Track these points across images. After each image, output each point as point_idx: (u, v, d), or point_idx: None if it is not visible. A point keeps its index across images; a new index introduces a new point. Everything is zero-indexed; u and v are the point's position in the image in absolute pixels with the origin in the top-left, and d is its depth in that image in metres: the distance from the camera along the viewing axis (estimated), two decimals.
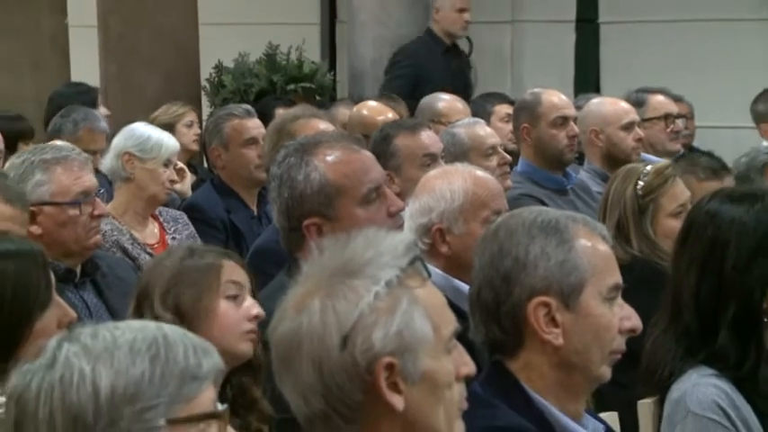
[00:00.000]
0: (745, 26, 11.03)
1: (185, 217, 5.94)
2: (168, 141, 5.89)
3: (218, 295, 3.35)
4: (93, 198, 4.54)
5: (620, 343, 2.95)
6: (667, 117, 7.06)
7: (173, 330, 2.22)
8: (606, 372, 2.96)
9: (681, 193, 4.87)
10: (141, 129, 5.90)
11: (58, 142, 5.74)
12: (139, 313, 3.21)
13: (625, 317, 2.95)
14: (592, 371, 2.95)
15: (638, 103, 7.04)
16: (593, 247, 2.96)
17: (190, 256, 3.39)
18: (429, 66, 9.75)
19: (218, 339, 3.27)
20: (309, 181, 3.93)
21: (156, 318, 2.53)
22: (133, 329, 2.19)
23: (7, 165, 4.67)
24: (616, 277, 2.97)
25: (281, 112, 6.77)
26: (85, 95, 8.40)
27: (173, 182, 6.01)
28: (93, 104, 8.11)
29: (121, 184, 5.69)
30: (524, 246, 2.95)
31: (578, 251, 2.93)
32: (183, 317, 3.16)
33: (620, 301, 2.97)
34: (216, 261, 3.40)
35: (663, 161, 5.31)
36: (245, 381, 3.34)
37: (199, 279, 3.33)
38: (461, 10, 9.97)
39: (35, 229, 4.30)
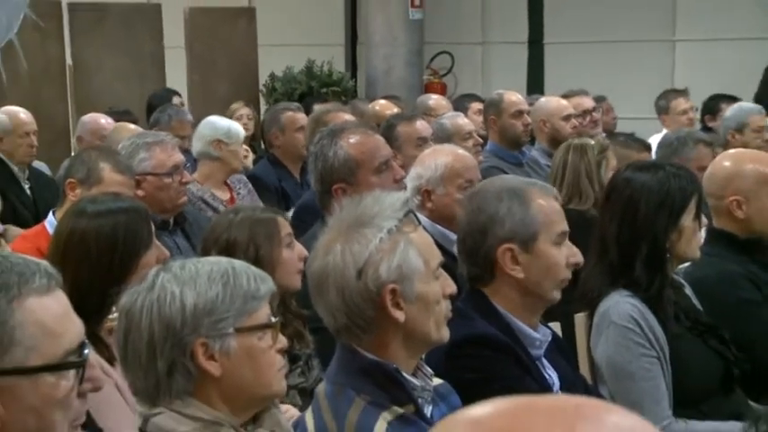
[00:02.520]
0: (650, 45, 11.02)
1: (245, 178, 5.93)
2: (240, 129, 5.89)
3: (282, 246, 3.32)
4: (181, 170, 4.53)
5: (567, 274, 2.96)
6: (585, 113, 7.04)
7: (239, 263, 2.22)
8: (557, 295, 2.96)
9: (613, 156, 4.90)
10: (221, 121, 5.84)
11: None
12: None
13: (571, 254, 2.95)
14: (545, 296, 2.95)
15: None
16: (545, 205, 2.94)
17: (254, 217, 3.37)
18: None
19: (282, 279, 3.26)
20: (337, 156, 3.91)
21: None
22: (210, 263, 2.20)
23: (120, 145, 4.65)
24: (563, 226, 2.95)
25: (317, 108, 6.76)
26: (171, 95, 8.49)
27: (244, 156, 6.08)
28: (169, 99, 8.19)
29: (207, 161, 5.65)
30: (495, 206, 2.93)
31: (534, 209, 2.91)
32: (261, 265, 3.15)
33: (567, 242, 2.96)
34: (272, 220, 3.37)
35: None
36: (286, 296, 3.32)
37: (268, 236, 3.30)
38: None
39: (140, 193, 4.28)
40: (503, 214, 2.93)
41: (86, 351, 1.77)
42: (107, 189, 3.97)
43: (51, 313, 1.73)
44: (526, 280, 2.92)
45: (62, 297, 1.77)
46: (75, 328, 1.77)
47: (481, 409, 0.93)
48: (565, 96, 7.00)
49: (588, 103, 7.18)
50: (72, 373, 1.74)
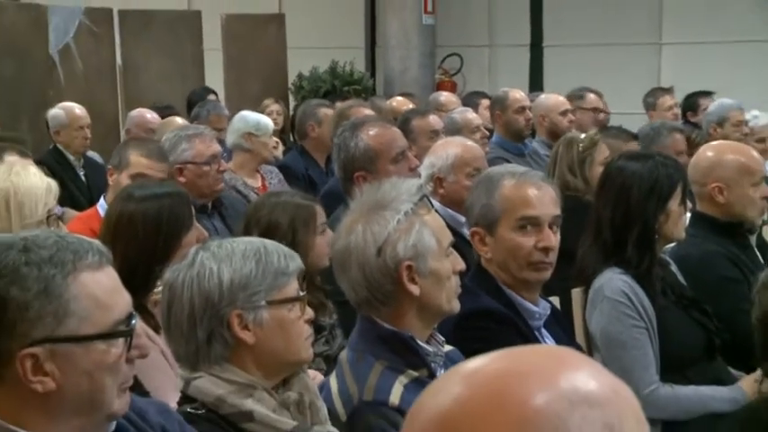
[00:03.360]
0: (638, 47, 10.96)
1: (276, 170, 5.89)
2: (269, 122, 5.83)
3: (316, 234, 3.30)
4: (218, 160, 4.52)
5: (536, 257, 2.87)
6: (595, 110, 6.98)
7: (270, 243, 2.21)
8: (530, 275, 2.90)
9: (604, 150, 4.76)
10: (251, 116, 5.80)
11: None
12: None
13: (540, 240, 2.87)
14: (515, 274, 2.90)
15: (579, 98, 6.98)
16: (511, 193, 2.89)
17: (295, 203, 3.33)
18: None
19: (313, 262, 3.23)
20: (358, 147, 3.89)
21: None
22: (244, 242, 2.19)
23: (163, 137, 4.64)
24: (526, 212, 2.88)
25: (340, 104, 6.72)
26: (207, 93, 8.48)
27: (275, 147, 6.03)
28: (206, 97, 8.18)
29: (240, 152, 5.62)
30: (470, 195, 2.99)
31: (496, 198, 2.89)
32: (296, 249, 3.12)
33: (543, 228, 2.88)
34: (311, 208, 3.34)
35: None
36: (311, 272, 3.29)
37: (306, 223, 3.28)
38: None
39: (181, 179, 4.28)
40: (472, 202, 2.96)
41: (134, 321, 1.77)
42: (134, 171, 4.04)
43: (102, 287, 1.72)
44: (494, 260, 2.91)
45: (112, 273, 1.77)
46: (123, 300, 1.76)
47: (476, 361, 0.91)
48: (579, 95, 6.95)
49: (598, 102, 7.11)
50: (121, 341, 1.74)
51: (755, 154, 3.86)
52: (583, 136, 4.93)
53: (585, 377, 0.88)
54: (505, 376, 0.87)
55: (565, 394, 0.85)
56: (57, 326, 1.67)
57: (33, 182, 2.83)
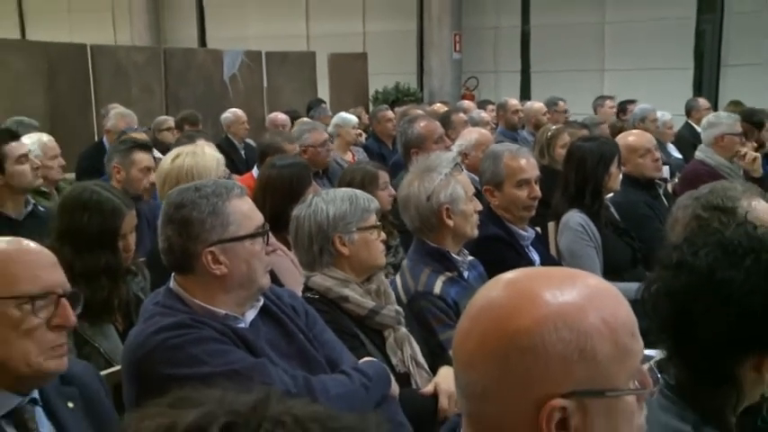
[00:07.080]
0: (587, 72, 10.68)
1: (362, 150, 5.78)
2: (351, 118, 5.61)
3: (378, 188, 3.23)
4: (327, 145, 4.48)
5: (529, 203, 2.80)
6: (564, 112, 6.76)
7: (359, 191, 2.18)
8: (524, 214, 2.83)
9: (565, 138, 4.51)
10: (341, 114, 5.69)
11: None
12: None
13: (531, 192, 2.81)
14: (514, 214, 2.83)
15: (554, 104, 6.81)
16: (512, 163, 2.81)
17: (364, 170, 3.26)
18: None
19: (380, 207, 3.17)
20: (413, 134, 3.84)
21: None
22: (342, 191, 2.17)
23: (294, 130, 4.61)
24: (522, 176, 2.80)
25: (399, 109, 6.63)
26: (319, 102, 8.38)
27: (359, 135, 5.92)
28: (319, 104, 8.05)
29: (337, 137, 5.52)
30: (481, 164, 2.89)
31: (500, 165, 2.81)
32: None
33: (532, 185, 2.80)
34: (375, 172, 3.28)
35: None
36: (384, 212, 3.21)
37: (370, 181, 3.20)
38: None
39: (305, 156, 4.24)
40: (484, 168, 2.87)
41: (266, 227, 1.77)
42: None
43: (247, 207, 1.74)
44: (500, 206, 2.84)
45: (248, 200, 1.78)
46: (258, 215, 1.78)
47: (513, 273, 0.89)
48: (554, 102, 6.78)
49: (564, 107, 6.90)
50: (260, 239, 1.74)
51: (642, 138, 3.66)
52: (554, 128, 4.77)
53: (581, 294, 0.84)
54: (529, 288, 0.86)
55: (564, 308, 0.83)
56: (223, 232, 1.68)
57: (208, 161, 2.84)
